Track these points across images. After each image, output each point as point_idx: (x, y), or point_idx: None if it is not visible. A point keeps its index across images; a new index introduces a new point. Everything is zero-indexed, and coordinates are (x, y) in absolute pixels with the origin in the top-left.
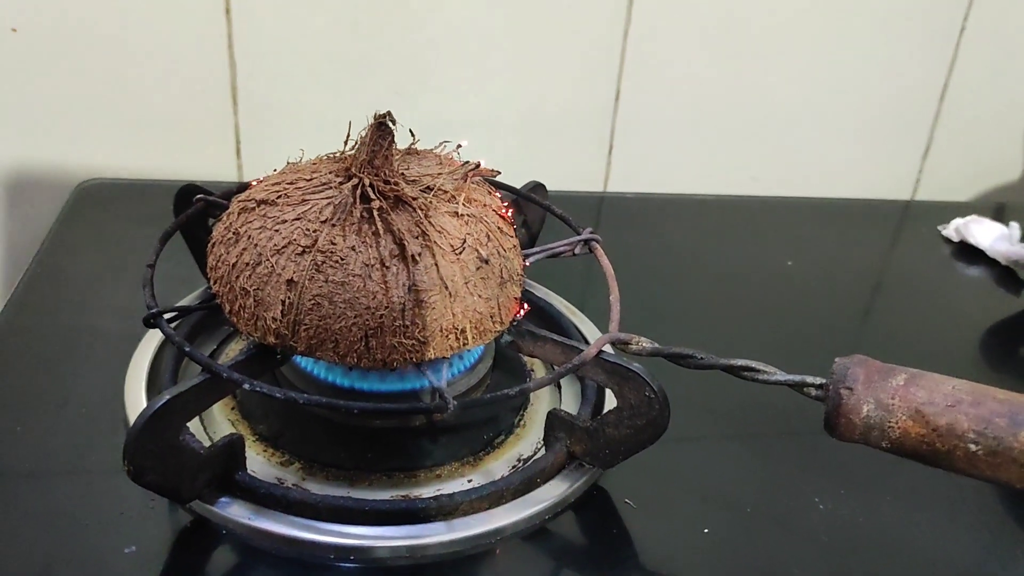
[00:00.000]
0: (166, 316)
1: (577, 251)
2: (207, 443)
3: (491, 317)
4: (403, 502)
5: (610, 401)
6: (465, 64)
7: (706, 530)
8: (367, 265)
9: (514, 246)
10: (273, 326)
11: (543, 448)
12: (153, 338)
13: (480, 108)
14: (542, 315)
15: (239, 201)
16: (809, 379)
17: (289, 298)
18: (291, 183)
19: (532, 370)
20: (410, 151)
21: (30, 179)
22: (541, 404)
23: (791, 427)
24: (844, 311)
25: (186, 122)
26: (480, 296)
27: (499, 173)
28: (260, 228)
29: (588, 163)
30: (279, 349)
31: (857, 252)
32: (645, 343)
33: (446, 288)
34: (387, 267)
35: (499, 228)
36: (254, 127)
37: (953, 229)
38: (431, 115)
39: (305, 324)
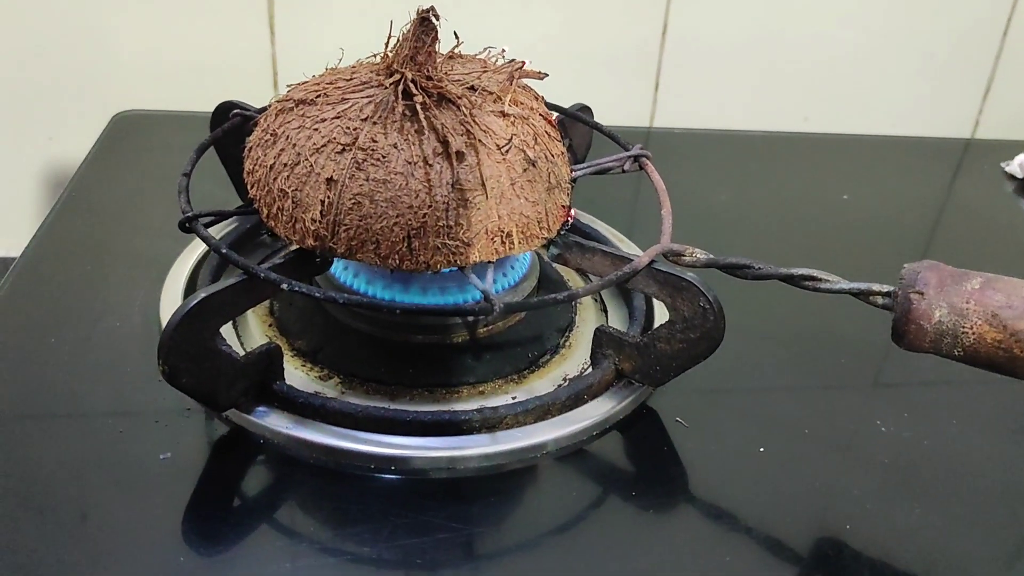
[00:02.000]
0: (202, 221)
1: (627, 167)
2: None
3: (538, 222)
4: (446, 413)
5: (658, 322)
6: None
7: (761, 449)
8: (409, 163)
9: (562, 152)
10: (312, 227)
11: (589, 369)
12: (188, 257)
13: (523, 41)
14: (588, 239)
15: (277, 102)
16: (875, 286)
17: (329, 198)
18: (330, 83)
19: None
20: (453, 55)
21: (66, 110)
22: (587, 326)
23: (851, 348)
24: (903, 245)
25: (223, 52)
26: (527, 199)
27: (546, 75)
28: (298, 128)
29: (634, 98)
30: (319, 252)
31: (915, 188)
32: (699, 254)
33: (491, 188)
34: (430, 165)
35: (546, 132)
36: (291, 57)
37: (1017, 165)
38: (471, 45)
39: (345, 224)
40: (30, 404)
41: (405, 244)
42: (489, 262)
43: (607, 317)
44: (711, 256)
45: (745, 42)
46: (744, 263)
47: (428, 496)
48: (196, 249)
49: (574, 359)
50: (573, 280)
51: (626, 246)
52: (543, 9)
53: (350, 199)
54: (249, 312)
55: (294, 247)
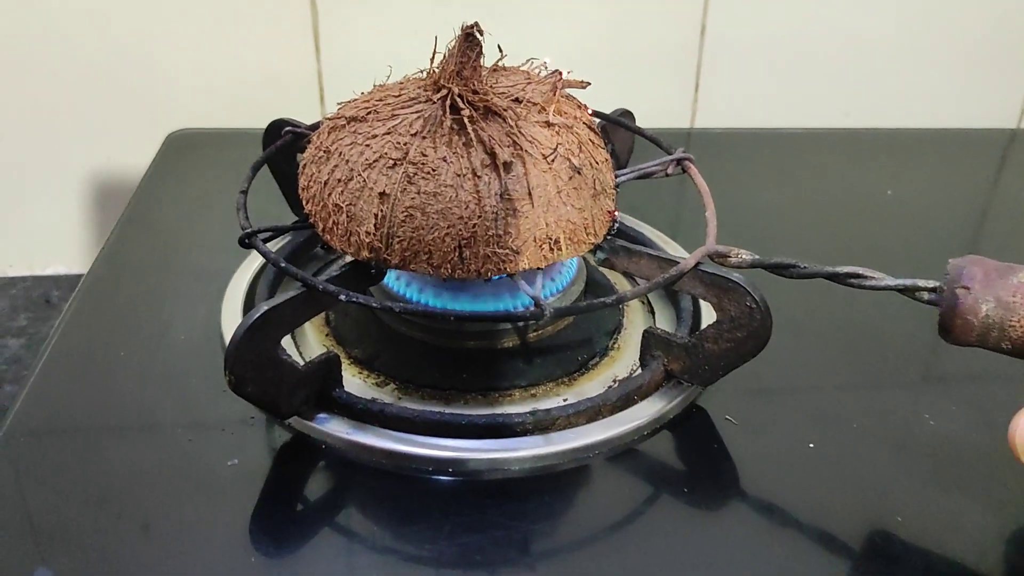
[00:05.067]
0: (260, 236)
1: (670, 171)
2: None
3: (585, 228)
4: (499, 416)
5: (705, 322)
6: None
7: (811, 445)
8: (458, 175)
9: (606, 159)
10: (367, 240)
11: (639, 370)
12: (246, 271)
13: (563, 46)
14: (634, 243)
15: (328, 120)
16: (921, 282)
17: (382, 211)
18: (380, 100)
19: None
20: (496, 68)
21: (123, 130)
22: (635, 328)
23: (898, 343)
24: (949, 239)
25: (271, 71)
26: (573, 206)
27: (589, 84)
28: (351, 144)
29: (674, 99)
30: (373, 264)
31: (961, 181)
32: (745, 255)
33: (538, 196)
34: (479, 176)
35: (590, 140)
36: (337, 73)
37: None
38: (513, 51)
39: (399, 236)
40: (103, 415)
41: (456, 254)
42: (538, 268)
43: (654, 319)
44: (756, 257)
45: (783, 39)
46: (789, 263)
47: (485, 496)
48: (253, 263)
49: (623, 361)
50: (620, 283)
51: (672, 248)
52: (581, 15)
53: (402, 212)
54: (307, 323)
55: (349, 259)
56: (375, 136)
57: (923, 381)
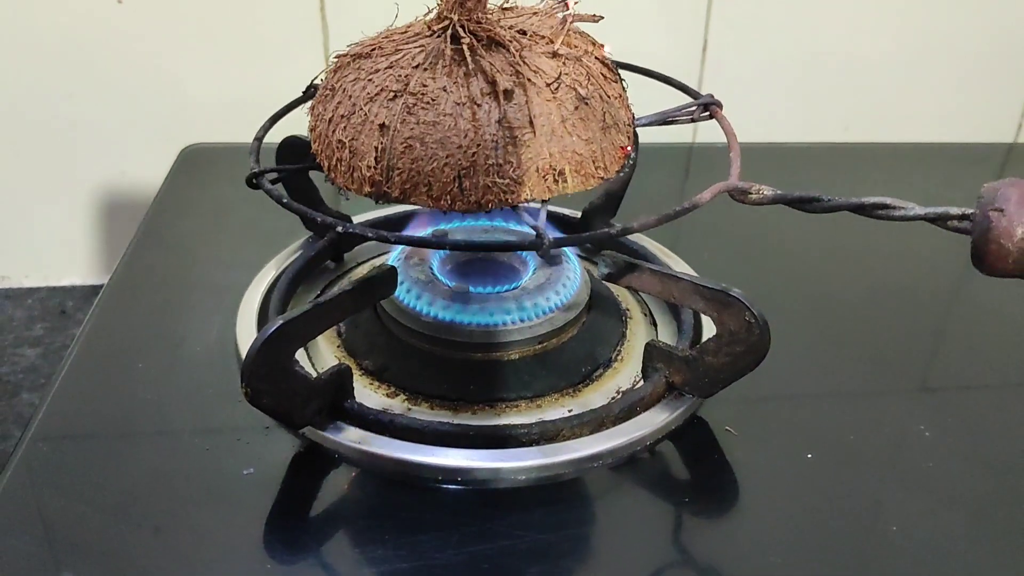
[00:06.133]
0: (268, 177)
1: (696, 116)
2: None
3: (592, 161)
4: (506, 427)
5: (706, 336)
6: None
7: (809, 455)
8: (458, 104)
9: (620, 95)
10: (368, 174)
11: (641, 381)
12: (259, 285)
13: None
14: (636, 257)
15: (336, 58)
16: (953, 209)
17: (382, 143)
18: (385, 37)
19: (628, 310)
20: (506, 7)
21: (137, 145)
22: (637, 340)
23: (895, 354)
24: (948, 253)
25: (282, 86)
26: (579, 137)
27: (601, 18)
28: (354, 80)
29: None
30: (375, 198)
31: (959, 194)
32: (766, 190)
33: (541, 125)
34: (478, 104)
35: (602, 74)
36: None
37: None
38: None
39: (398, 168)
40: (122, 423)
41: (456, 184)
42: (543, 200)
43: (657, 331)
44: (778, 192)
45: (784, 55)
46: (812, 196)
47: (492, 505)
48: (267, 277)
49: (626, 372)
50: (623, 297)
51: (673, 261)
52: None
53: (402, 143)
54: (320, 336)
55: (358, 274)
56: (377, 71)
57: (918, 392)
